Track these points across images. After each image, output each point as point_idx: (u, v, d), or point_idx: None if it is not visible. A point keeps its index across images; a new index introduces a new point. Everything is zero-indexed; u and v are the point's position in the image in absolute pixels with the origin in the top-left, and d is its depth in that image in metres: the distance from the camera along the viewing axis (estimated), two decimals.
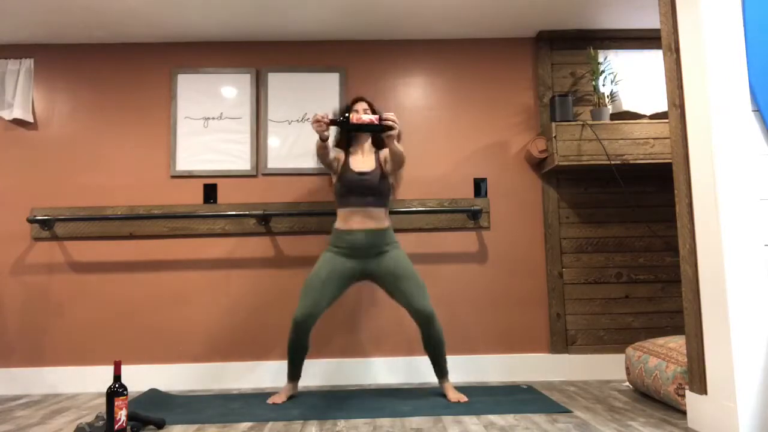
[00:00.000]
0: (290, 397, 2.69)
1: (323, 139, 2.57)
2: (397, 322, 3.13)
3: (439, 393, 2.73)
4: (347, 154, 2.78)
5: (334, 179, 2.78)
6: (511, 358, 3.13)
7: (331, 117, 2.56)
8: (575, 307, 3.17)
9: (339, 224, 2.70)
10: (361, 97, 2.88)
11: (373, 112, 2.82)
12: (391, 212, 3.08)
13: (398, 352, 3.13)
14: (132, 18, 3.01)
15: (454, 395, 2.61)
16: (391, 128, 2.52)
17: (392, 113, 2.55)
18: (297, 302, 3.12)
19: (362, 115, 2.67)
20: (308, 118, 3.25)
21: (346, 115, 2.57)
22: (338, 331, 3.14)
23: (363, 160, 2.75)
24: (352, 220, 2.66)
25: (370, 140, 2.82)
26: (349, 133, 2.80)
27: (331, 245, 2.70)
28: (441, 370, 2.68)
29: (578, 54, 3.31)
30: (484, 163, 3.27)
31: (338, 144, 2.85)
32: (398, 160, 2.63)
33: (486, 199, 3.23)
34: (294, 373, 2.70)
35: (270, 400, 2.62)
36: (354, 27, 3.16)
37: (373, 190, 2.67)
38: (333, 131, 2.86)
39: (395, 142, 2.58)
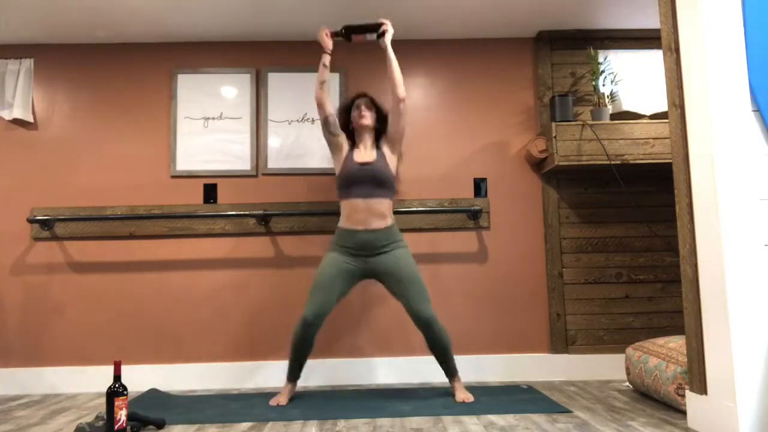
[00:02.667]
0: (290, 399, 2.68)
1: (326, 51, 2.71)
2: (397, 322, 3.13)
3: (439, 393, 2.74)
4: (350, 150, 2.77)
5: (337, 170, 2.76)
6: (511, 358, 3.13)
7: (330, 30, 2.73)
8: (575, 307, 3.17)
9: (342, 222, 2.70)
10: (363, 93, 2.87)
11: (375, 106, 2.81)
12: (393, 211, 3.07)
13: (398, 352, 3.13)
14: (132, 18, 3.01)
15: (460, 395, 2.60)
16: (384, 25, 2.70)
17: (387, 21, 2.73)
18: (297, 302, 3.13)
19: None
20: (308, 118, 3.25)
21: (345, 24, 2.75)
22: (338, 332, 3.14)
23: (365, 153, 2.74)
24: (355, 218, 2.65)
25: (372, 136, 2.80)
26: (352, 129, 2.81)
27: (335, 244, 2.69)
28: (448, 369, 2.67)
29: (578, 54, 3.31)
30: (484, 163, 3.27)
31: (344, 130, 2.84)
32: (396, 71, 2.70)
33: (486, 199, 3.23)
34: (295, 373, 2.68)
35: (273, 402, 2.61)
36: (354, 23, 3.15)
37: (375, 180, 2.66)
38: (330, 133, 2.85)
39: (392, 51, 2.71)
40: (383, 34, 2.71)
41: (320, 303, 2.58)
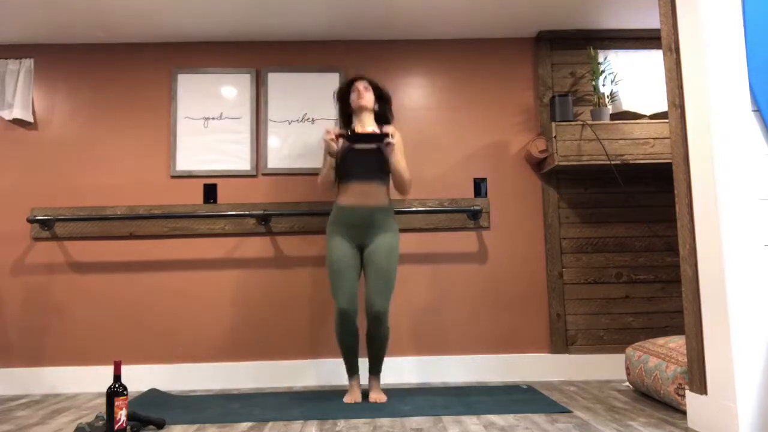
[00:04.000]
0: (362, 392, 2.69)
1: (332, 154, 2.63)
2: (396, 322, 3.13)
3: (439, 393, 2.74)
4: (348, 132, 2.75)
5: (336, 157, 2.73)
6: (511, 358, 3.13)
7: (337, 131, 2.64)
8: (575, 307, 3.17)
9: (339, 200, 2.70)
10: (360, 75, 2.85)
11: (375, 87, 2.80)
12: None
13: (398, 352, 3.13)
14: (132, 18, 3.01)
15: (374, 395, 2.63)
16: (389, 136, 2.58)
17: (392, 127, 2.66)
18: (297, 302, 3.13)
19: (366, 127, 2.74)
20: (308, 118, 3.25)
21: (352, 128, 2.75)
22: None
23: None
24: (353, 197, 2.65)
25: (372, 118, 2.78)
26: (350, 112, 2.81)
27: (333, 224, 2.70)
28: (375, 366, 2.69)
29: (578, 54, 3.31)
30: (484, 163, 3.27)
31: (341, 118, 2.85)
32: (397, 174, 2.68)
33: (486, 199, 3.23)
34: (353, 367, 2.69)
35: (347, 399, 2.62)
36: (354, 27, 3.16)
37: (375, 160, 2.65)
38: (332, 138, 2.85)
39: (395, 155, 2.65)
40: (387, 145, 2.60)
41: (348, 290, 2.59)
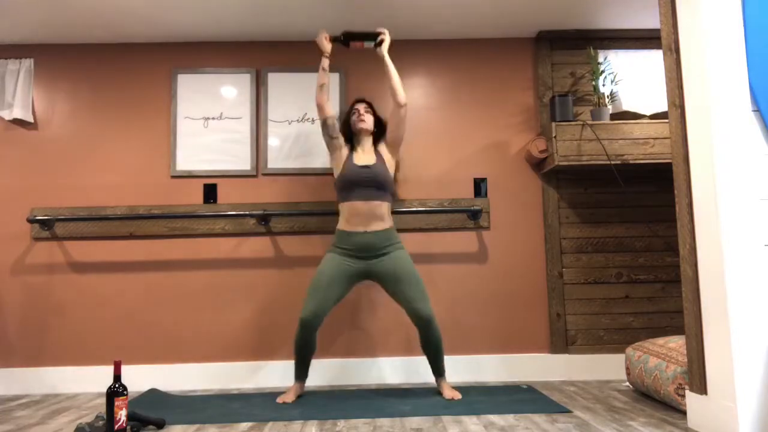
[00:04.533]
0: (298, 396, 2.71)
1: (325, 54, 2.75)
2: (396, 322, 3.13)
3: (439, 393, 2.73)
4: (350, 153, 2.81)
5: (336, 173, 2.80)
6: (511, 358, 3.13)
7: (330, 35, 2.78)
8: (575, 307, 3.17)
9: (342, 225, 2.73)
10: (362, 98, 2.93)
11: (373, 111, 2.88)
12: (392, 212, 3.08)
13: (398, 352, 3.13)
14: (132, 18, 3.01)
15: (448, 393, 2.65)
16: (382, 34, 2.74)
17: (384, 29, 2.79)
18: (297, 302, 3.13)
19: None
20: (308, 118, 3.25)
21: (344, 30, 2.82)
22: (338, 332, 3.14)
23: (365, 156, 2.79)
24: (356, 221, 2.69)
25: (371, 140, 2.85)
26: (352, 131, 2.85)
27: (334, 245, 2.73)
28: (438, 369, 2.73)
29: (578, 54, 3.31)
30: (484, 163, 3.27)
31: (343, 135, 2.88)
32: (395, 78, 2.73)
33: (486, 199, 3.23)
34: (301, 373, 2.72)
35: (280, 399, 2.64)
36: (354, 27, 3.16)
37: (374, 182, 2.69)
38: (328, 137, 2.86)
39: (389, 60, 2.75)
40: (381, 43, 2.75)
41: (317, 304, 2.61)
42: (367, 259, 2.68)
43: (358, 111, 2.82)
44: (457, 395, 2.64)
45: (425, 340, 2.66)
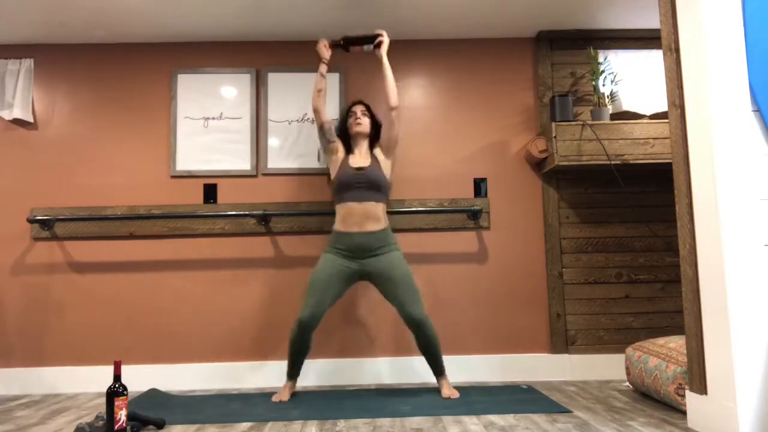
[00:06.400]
0: (292, 395, 2.73)
1: (324, 61, 2.80)
2: (396, 321, 3.13)
3: (439, 393, 2.73)
4: (346, 155, 2.85)
5: (332, 175, 2.83)
6: (511, 358, 3.13)
7: (330, 42, 2.84)
8: (575, 307, 3.17)
9: (338, 225, 2.76)
10: (360, 100, 2.95)
11: (371, 114, 2.91)
12: (391, 212, 3.08)
13: (398, 352, 3.13)
14: (132, 18, 3.01)
15: (446, 391, 2.67)
16: (381, 36, 2.79)
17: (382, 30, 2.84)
18: (297, 302, 3.13)
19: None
20: (308, 118, 3.25)
21: (344, 35, 2.85)
22: (338, 331, 3.14)
23: (360, 158, 2.82)
24: (351, 221, 2.71)
25: (367, 143, 2.88)
26: (348, 136, 2.89)
27: (330, 246, 2.75)
28: (437, 368, 2.74)
29: (578, 54, 3.31)
30: (484, 163, 3.27)
31: (340, 136, 2.92)
32: (390, 81, 2.76)
33: (486, 199, 3.23)
34: (294, 372, 2.74)
35: (275, 398, 2.66)
36: (354, 27, 3.16)
37: (370, 184, 2.72)
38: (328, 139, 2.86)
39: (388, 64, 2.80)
40: (380, 45, 2.80)
41: (315, 304, 2.63)
42: (361, 259, 2.70)
43: (355, 113, 2.85)
44: (455, 394, 2.66)
45: (419, 342, 2.68)
